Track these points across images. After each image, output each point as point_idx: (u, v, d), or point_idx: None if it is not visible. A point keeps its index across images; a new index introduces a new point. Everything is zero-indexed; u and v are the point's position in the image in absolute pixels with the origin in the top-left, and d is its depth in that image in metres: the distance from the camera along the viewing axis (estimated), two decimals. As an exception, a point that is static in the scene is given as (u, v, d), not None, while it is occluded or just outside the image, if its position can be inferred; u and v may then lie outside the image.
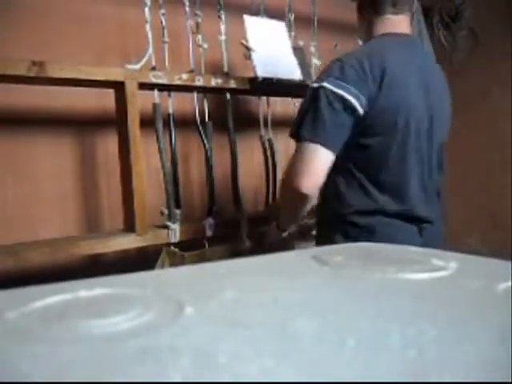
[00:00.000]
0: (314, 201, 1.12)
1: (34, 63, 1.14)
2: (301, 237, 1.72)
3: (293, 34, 1.72)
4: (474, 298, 0.39)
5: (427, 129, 1.15)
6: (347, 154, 1.11)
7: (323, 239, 1.19)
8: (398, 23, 1.19)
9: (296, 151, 1.10)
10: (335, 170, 1.11)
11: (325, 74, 1.10)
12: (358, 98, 1.06)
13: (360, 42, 1.89)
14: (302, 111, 1.11)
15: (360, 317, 0.35)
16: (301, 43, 1.72)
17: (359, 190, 1.12)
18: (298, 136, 1.10)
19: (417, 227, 1.15)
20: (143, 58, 1.34)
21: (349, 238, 1.11)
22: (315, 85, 1.10)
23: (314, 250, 0.56)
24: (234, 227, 1.53)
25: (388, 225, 1.11)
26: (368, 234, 1.09)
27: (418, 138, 1.13)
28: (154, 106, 1.37)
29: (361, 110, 1.06)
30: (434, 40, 2.07)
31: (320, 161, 1.06)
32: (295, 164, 1.09)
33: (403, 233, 1.13)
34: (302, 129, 1.09)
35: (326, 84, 1.07)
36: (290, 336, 0.32)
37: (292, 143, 1.73)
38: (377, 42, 1.18)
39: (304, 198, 1.09)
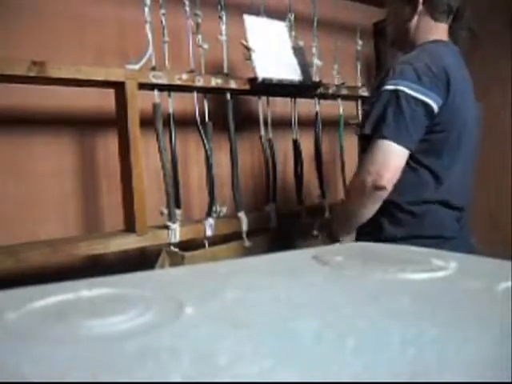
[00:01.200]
0: (384, 198, 1.14)
1: (34, 63, 1.14)
2: (302, 237, 1.73)
3: (293, 34, 1.72)
4: (474, 298, 0.39)
5: (471, 129, 1.24)
6: None
7: (368, 223, 1.20)
8: (445, 32, 1.27)
9: (375, 148, 1.12)
10: None
11: (397, 77, 1.13)
12: (436, 102, 1.12)
13: (358, 44, 1.90)
14: (379, 111, 1.13)
15: (360, 317, 0.35)
16: (301, 43, 1.72)
17: (414, 180, 1.18)
18: (378, 134, 1.12)
19: (456, 214, 1.23)
20: (143, 58, 1.34)
21: (394, 222, 1.19)
22: (390, 87, 1.13)
23: (315, 250, 0.56)
24: (234, 227, 1.52)
25: (435, 212, 1.19)
26: (413, 219, 1.18)
27: (467, 137, 1.22)
28: (154, 106, 1.37)
29: (436, 112, 1.13)
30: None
31: (401, 160, 1.12)
32: (375, 159, 1.11)
33: (446, 219, 1.21)
34: (383, 128, 1.11)
35: (403, 88, 1.11)
36: (290, 336, 0.32)
37: (291, 144, 1.74)
38: (434, 47, 1.22)
39: (380, 191, 1.11)
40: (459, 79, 1.18)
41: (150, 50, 1.35)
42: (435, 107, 1.12)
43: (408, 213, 1.18)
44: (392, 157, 1.10)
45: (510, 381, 0.25)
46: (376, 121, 1.14)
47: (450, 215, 1.22)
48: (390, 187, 1.11)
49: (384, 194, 1.12)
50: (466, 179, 1.27)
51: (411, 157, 1.15)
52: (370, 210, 1.16)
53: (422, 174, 1.18)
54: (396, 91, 1.12)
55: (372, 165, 1.11)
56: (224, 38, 1.52)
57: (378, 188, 1.10)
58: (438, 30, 1.27)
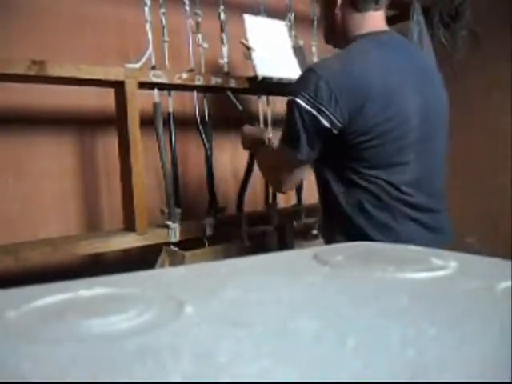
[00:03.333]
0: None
1: (33, 62, 1.14)
2: (302, 237, 1.73)
3: (293, 33, 1.72)
4: (474, 298, 0.39)
5: (423, 125, 1.12)
6: (353, 156, 1.10)
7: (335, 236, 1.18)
8: (378, 20, 1.16)
9: (278, 154, 1.20)
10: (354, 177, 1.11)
11: (300, 86, 1.09)
12: (330, 121, 1.05)
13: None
14: (285, 120, 1.14)
15: (360, 316, 0.35)
16: (301, 43, 1.72)
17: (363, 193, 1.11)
18: (280, 142, 1.17)
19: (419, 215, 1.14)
20: (143, 57, 1.34)
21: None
22: (291, 97, 1.10)
23: (315, 250, 0.56)
24: (234, 227, 1.52)
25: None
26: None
27: (416, 138, 1.11)
28: (155, 105, 1.37)
29: (335, 131, 1.06)
30: (434, 40, 2.08)
31: (296, 170, 1.17)
32: (276, 165, 1.21)
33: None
34: (283, 137, 1.15)
35: (299, 101, 1.06)
36: (290, 335, 0.32)
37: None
38: (359, 50, 1.12)
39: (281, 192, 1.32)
40: (393, 83, 1.07)
41: (150, 49, 1.35)
42: (329, 125, 1.05)
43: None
44: (288, 168, 1.17)
45: (509, 381, 0.25)
46: (282, 129, 1.17)
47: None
48: (289, 190, 1.32)
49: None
50: (434, 176, 1.18)
51: (364, 167, 1.09)
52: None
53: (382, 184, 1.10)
54: (292, 102, 1.08)
55: (275, 170, 1.23)
56: (224, 37, 1.52)
57: (280, 190, 1.30)
58: (369, 21, 1.14)
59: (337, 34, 1.21)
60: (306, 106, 1.06)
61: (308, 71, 1.10)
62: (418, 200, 1.13)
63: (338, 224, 1.17)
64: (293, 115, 1.08)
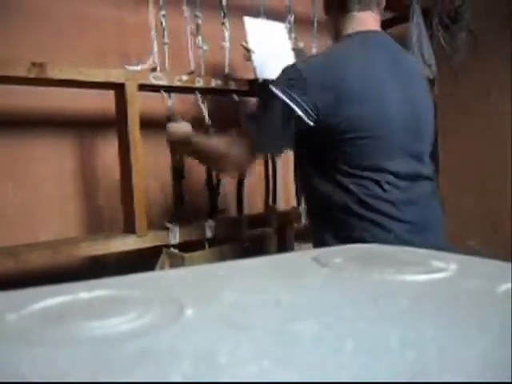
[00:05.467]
0: None
1: (34, 64, 1.14)
2: (301, 239, 1.73)
3: (293, 35, 1.72)
4: (474, 300, 0.39)
5: (407, 126, 1.14)
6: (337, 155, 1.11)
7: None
8: (364, 20, 1.18)
9: (247, 137, 1.18)
10: (341, 176, 1.12)
11: (279, 78, 1.13)
12: (303, 110, 1.07)
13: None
14: (257, 107, 1.21)
15: (359, 318, 0.35)
16: (301, 45, 1.72)
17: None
18: (247, 128, 1.20)
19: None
20: (146, 59, 1.34)
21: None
22: (270, 86, 1.12)
23: (314, 252, 0.56)
24: (233, 229, 1.52)
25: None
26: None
27: (401, 137, 1.13)
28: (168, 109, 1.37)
29: (311, 124, 1.08)
30: (433, 41, 2.08)
31: (256, 154, 1.24)
32: (244, 147, 1.18)
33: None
34: (255, 122, 1.17)
35: (275, 90, 1.10)
36: (290, 337, 0.32)
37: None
38: (342, 48, 1.16)
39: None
40: (373, 82, 1.10)
41: (155, 50, 1.36)
42: (305, 118, 1.07)
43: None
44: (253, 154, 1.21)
45: (509, 381, 0.25)
46: (256, 116, 1.20)
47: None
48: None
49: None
50: (420, 174, 1.18)
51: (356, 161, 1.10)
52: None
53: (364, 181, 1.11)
54: (271, 92, 1.11)
55: (242, 153, 1.19)
56: (226, 39, 1.52)
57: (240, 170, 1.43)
58: (355, 22, 1.17)
59: (334, 31, 1.24)
60: (281, 94, 1.08)
61: (290, 65, 1.14)
62: (403, 198, 1.13)
63: (327, 225, 1.16)
64: (268, 103, 1.13)
